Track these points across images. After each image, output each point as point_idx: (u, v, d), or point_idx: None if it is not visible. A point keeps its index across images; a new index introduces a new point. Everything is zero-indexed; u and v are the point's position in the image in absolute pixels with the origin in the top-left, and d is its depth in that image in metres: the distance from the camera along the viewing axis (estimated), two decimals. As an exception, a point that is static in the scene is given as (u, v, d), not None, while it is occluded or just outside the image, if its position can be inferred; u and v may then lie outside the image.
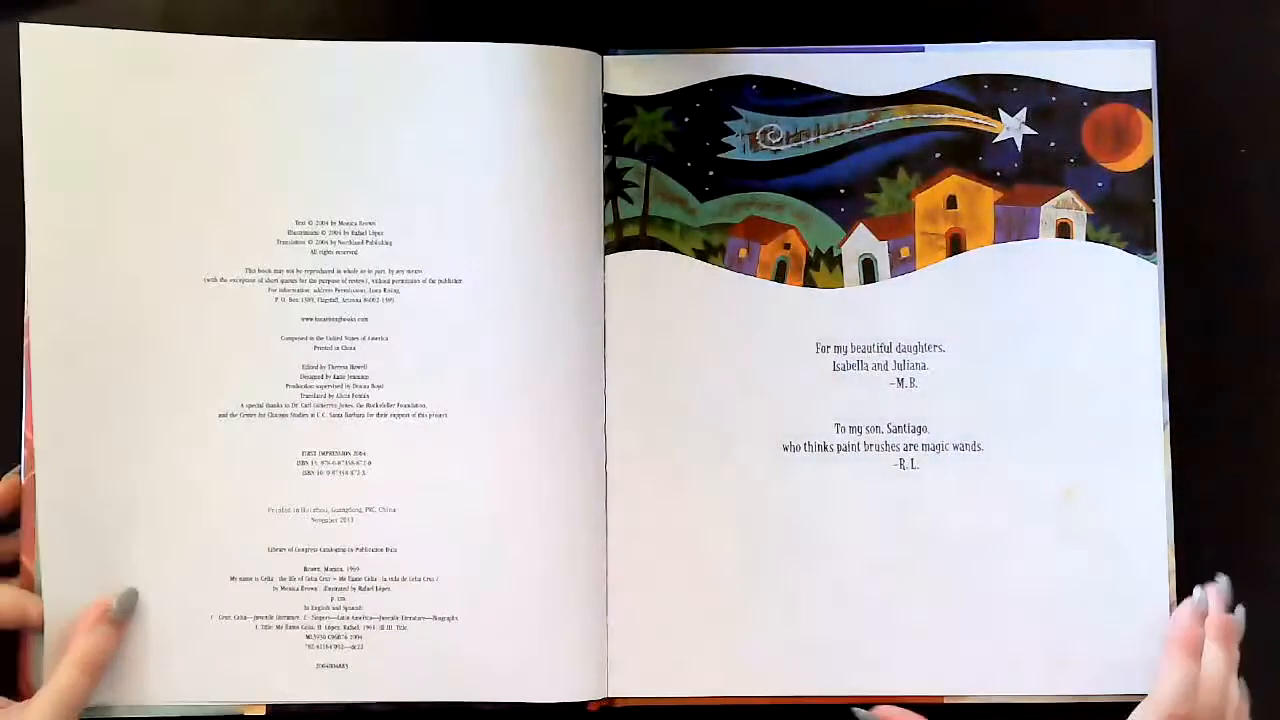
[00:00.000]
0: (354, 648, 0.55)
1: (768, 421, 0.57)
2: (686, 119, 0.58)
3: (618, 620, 0.56)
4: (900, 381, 0.57)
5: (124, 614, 0.54)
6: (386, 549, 0.55)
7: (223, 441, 0.55)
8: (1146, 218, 0.57)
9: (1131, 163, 0.58)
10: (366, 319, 0.56)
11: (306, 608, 0.55)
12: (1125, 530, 0.56)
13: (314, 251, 0.56)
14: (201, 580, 0.55)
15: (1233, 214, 0.59)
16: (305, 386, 0.56)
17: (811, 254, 0.58)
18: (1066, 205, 0.58)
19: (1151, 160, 0.58)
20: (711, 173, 0.58)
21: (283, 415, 0.56)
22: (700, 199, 0.58)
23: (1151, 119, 0.58)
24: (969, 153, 0.58)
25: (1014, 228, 0.58)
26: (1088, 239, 0.57)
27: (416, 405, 0.56)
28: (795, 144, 0.58)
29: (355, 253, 0.56)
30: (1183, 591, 0.56)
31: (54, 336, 0.55)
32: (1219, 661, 0.53)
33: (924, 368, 0.57)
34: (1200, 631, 0.54)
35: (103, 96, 0.55)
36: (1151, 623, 0.56)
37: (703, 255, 0.58)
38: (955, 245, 0.58)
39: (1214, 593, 0.54)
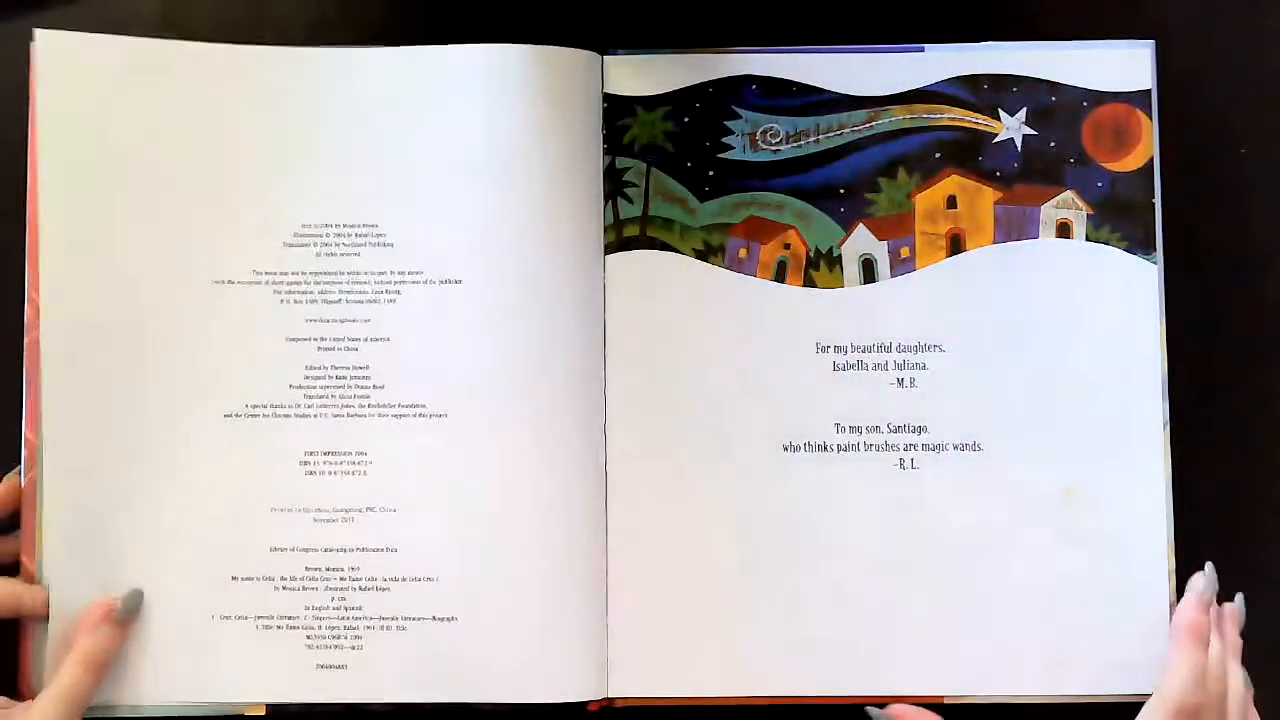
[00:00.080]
0: (354, 648, 0.55)
1: (768, 421, 0.57)
2: (686, 119, 0.58)
3: (618, 620, 0.56)
4: (900, 381, 0.57)
5: (129, 614, 0.54)
6: (387, 549, 0.56)
7: (226, 442, 0.56)
8: (1146, 218, 0.57)
9: (1131, 163, 0.58)
10: (369, 320, 0.56)
11: (307, 608, 0.55)
12: (1125, 530, 0.56)
13: (318, 254, 0.56)
14: (202, 580, 0.55)
15: (1233, 214, 0.59)
16: (308, 387, 0.56)
17: (811, 254, 0.58)
18: (1066, 205, 0.58)
19: (1151, 160, 0.58)
20: (711, 173, 0.58)
21: (285, 416, 0.56)
22: (700, 199, 0.58)
23: (1151, 119, 0.58)
24: (969, 153, 0.58)
25: (1014, 228, 0.58)
26: (1088, 239, 0.57)
27: (417, 405, 0.56)
28: (795, 144, 0.58)
29: (358, 254, 0.56)
30: (1182, 592, 0.55)
31: (62, 337, 0.55)
32: (1216, 649, 0.53)
33: (924, 368, 0.57)
34: (1206, 620, 0.53)
35: (114, 101, 0.56)
36: (1151, 623, 0.56)
37: (703, 255, 0.58)
38: (955, 245, 0.58)
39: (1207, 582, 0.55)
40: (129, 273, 0.56)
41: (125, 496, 0.55)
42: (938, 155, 0.58)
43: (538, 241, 0.56)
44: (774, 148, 0.58)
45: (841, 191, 0.58)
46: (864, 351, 0.57)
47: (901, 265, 0.58)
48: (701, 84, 0.58)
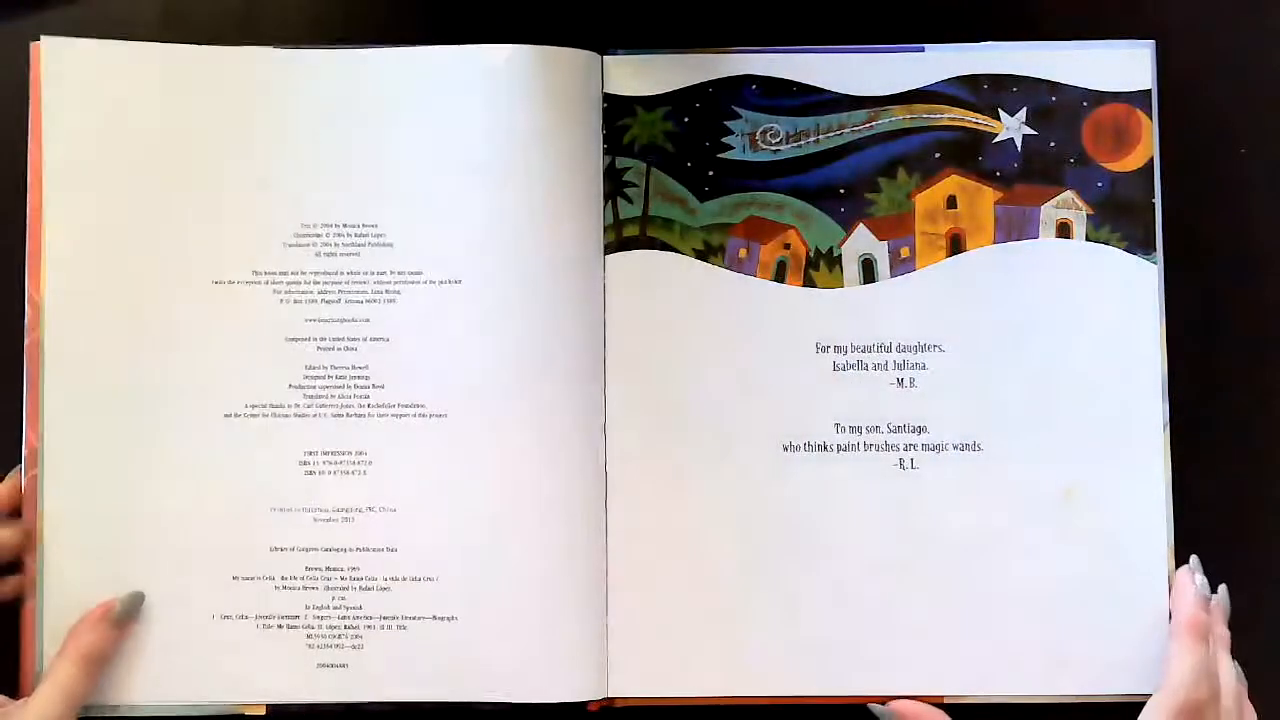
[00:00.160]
0: (354, 648, 0.55)
1: (768, 421, 0.57)
2: (686, 119, 0.58)
3: (618, 620, 0.56)
4: (900, 381, 0.57)
5: (127, 615, 0.54)
6: (387, 549, 0.56)
7: (226, 442, 0.56)
8: (1146, 218, 0.57)
9: (1131, 163, 0.58)
10: (368, 320, 0.56)
11: (307, 607, 0.55)
12: (1125, 530, 0.56)
13: (318, 254, 0.56)
14: (203, 579, 0.55)
15: (1233, 214, 0.59)
16: (308, 387, 0.56)
17: (811, 254, 0.58)
18: (1066, 205, 0.58)
19: (1151, 160, 0.58)
20: (711, 173, 0.58)
21: (285, 416, 0.56)
22: (700, 199, 0.58)
23: (1151, 119, 0.58)
24: (969, 153, 0.58)
25: (1014, 228, 0.58)
26: (1088, 239, 0.57)
27: (417, 405, 0.56)
28: (795, 144, 0.58)
29: (358, 254, 0.56)
30: (1182, 591, 0.56)
31: (62, 337, 0.55)
32: (1212, 644, 0.53)
33: (924, 368, 0.57)
34: (1206, 616, 0.53)
35: (116, 105, 0.56)
36: (1151, 623, 0.56)
37: (703, 255, 0.58)
38: (955, 245, 0.58)
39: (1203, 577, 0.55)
40: (129, 273, 0.56)
41: (125, 496, 0.55)
42: (938, 155, 0.58)
43: (538, 241, 0.56)
44: (774, 148, 0.58)
45: (841, 191, 0.58)
46: (864, 351, 0.57)
47: (901, 265, 0.58)
48: (701, 84, 0.58)
